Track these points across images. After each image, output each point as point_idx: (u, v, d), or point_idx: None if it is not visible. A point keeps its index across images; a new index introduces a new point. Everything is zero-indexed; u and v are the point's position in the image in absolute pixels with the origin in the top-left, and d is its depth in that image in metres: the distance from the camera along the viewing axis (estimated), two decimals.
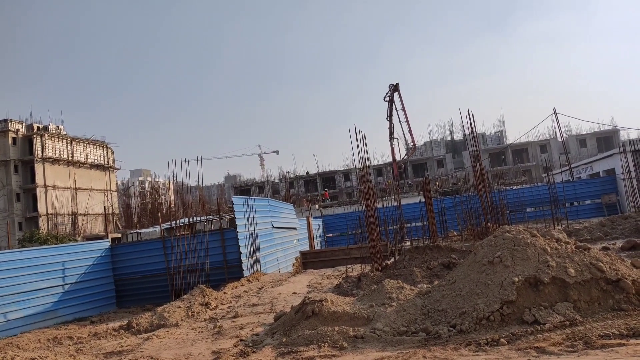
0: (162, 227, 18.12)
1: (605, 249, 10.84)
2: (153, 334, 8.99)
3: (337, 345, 6.34)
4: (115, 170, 52.38)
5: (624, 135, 61.19)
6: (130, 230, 32.28)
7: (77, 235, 36.25)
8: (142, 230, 25.70)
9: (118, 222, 46.14)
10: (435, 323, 6.59)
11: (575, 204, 30.93)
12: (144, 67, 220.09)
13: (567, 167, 36.87)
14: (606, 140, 64.83)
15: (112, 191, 51.11)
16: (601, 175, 32.75)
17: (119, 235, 20.74)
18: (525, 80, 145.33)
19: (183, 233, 16.43)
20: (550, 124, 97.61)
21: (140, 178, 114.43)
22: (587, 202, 30.94)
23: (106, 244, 16.55)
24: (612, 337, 5.29)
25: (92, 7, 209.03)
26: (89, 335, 10.00)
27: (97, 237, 20.59)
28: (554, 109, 43.51)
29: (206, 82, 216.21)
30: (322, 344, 6.43)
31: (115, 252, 16.60)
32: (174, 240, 15.67)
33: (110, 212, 41.27)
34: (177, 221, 19.44)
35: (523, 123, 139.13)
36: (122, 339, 9.23)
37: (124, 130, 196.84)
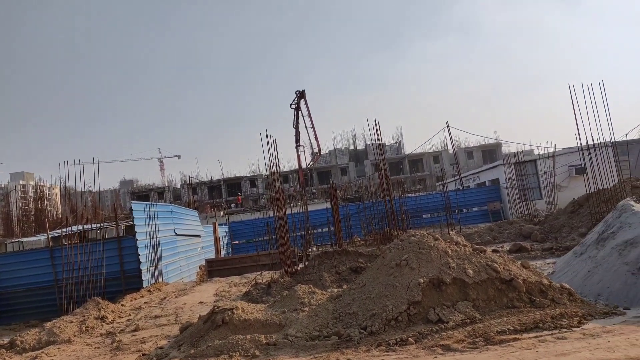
0: (50, 236, 16.61)
1: (495, 251, 11.72)
2: (42, 352, 8.13)
3: (249, 354, 6.18)
4: None
5: (505, 149, 67.56)
6: (10, 239, 29.14)
7: None
8: (25, 239, 23.37)
9: None
10: (346, 326, 6.68)
11: (465, 210, 33.41)
12: (28, 62, 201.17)
13: (458, 177, 39.81)
14: (490, 152, 71.04)
15: None
16: (487, 184, 35.76)
17: None
18: (420, 94, 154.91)
19: (73, 242, 15.15)
20: (442, 136, 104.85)
21: (22, 182, 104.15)
22: (475, 209, 33.56)
23: None
24: (508, 333, 5.72)
25: None
26: None
27: None
28: (447, 123, 46.99)
29: (100, 80, 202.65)
30: (234, 354, 6.22)
31: None
32: (64, 249, 14.40)
33: None
34: (67, 229, 17.89)
35: (419, 135, 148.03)
36: (4, 359, 8.23)
37: (3, 129, 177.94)
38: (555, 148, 29.58)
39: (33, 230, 39.88)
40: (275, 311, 7.39)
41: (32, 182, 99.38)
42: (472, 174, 40.79)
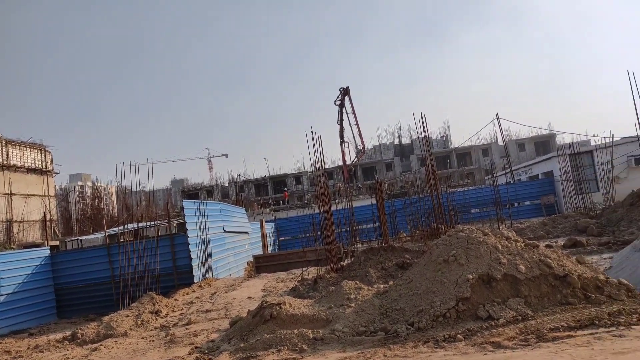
0: (106, 233, 17.40)
1: (548, 246, 11.32)
2: (100, 345, 8.56)
3: (297, 348, 6.26)
4: (53, 175, 49.67)
5: (560, 140, 64.75)
6: (70, 237, 30.73)
7: (12, 243, 34.10)
8: (84, 237, 24.52)
9: (56, 229, 43.78)
10: (393, 322, 6.65)
11: (516, 204, 32.35)
12: (85, 68, 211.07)
13: (509, 170, 38.60)
14: (543, 144, 68.29)
15: (50, 197, 48.42)
16: (540, 177, 34.47)
17: (58, 242, 19.69)
18: (468, 87, 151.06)
19: (128, 239, 15.82)
20: (491, 128, 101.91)
21: (80, 183, 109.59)
22: (527, 203, 32.46)
23: (46, 251, 15.68)
24: (561, 330, 5.52)
25: (27, 3, 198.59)
26: (29, 348, 9.39)
27: (34, 245, 19.47)
28: (497, 114, 45.63)
29: (151, 84, 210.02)
30: (282, 348, 6.33)
31: (56, 260, 15.77)
32: (120, 246, 15.06)
33: (47, 218, 39.13)
34: (123, 227, 18.67)
35: (466, 127, 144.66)
36: (67, 350, 8.73)
37: (62, 133, 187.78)
38: (613, 138, 28.12)
39: (91, 229, 41.89)
40: (321, 306, 7.44)
41: (89, 183, 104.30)
42: (524, 167, 39.45)
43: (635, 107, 14.30)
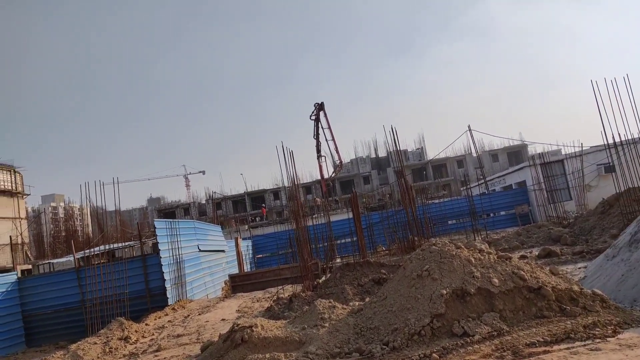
0: (77, 256, 16.86)
1: (523, 257, 11.38)
2: None
3: None
4: (24, 196, 48.27)
5: (531, 150, 66.04)
6: (42, 260, 29.83)
7: None
8: (55, 260, 23.83)
9: (28, 253, 42.46)
10: (368, 342, 6.47)
11: (492, 215, 32.67)
12: (56, 85, 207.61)
13: (483, 181, 39.07)
14: (516, 154, 69.59)
15: (22, 219, 47.01)
16: (513, 187, 34.94)
17: (30, 266, 19.11)
18: (440, 99, 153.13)
19: (101, 261, 15.36)
20: (465, 140, 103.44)
21: (52, 204, 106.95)
22: (502, 213, 32.78)
23: (13, 277, 15.12)
24: (537, 345, 5.42)
25: None
26: None
27: (4, 270, 18.82)
28: (469, 126, 46.33)
29: (125, 101, 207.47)
30: None
31: (24, 285, 15.21)
32: (90, 269, 14.58)
33: (19, 241, 37.86)
34: (94, 249, 18.16)
35: (441, 140, 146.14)
36: None
37: (34, 152, 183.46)
38: (582, 147, 28.72)
39: (64, 251, 40.78)
40: (295, 327, 7.22)
41: (62, 204, 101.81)
42: (498, 177, 39.98)
43: (600, 116, 14.58)
